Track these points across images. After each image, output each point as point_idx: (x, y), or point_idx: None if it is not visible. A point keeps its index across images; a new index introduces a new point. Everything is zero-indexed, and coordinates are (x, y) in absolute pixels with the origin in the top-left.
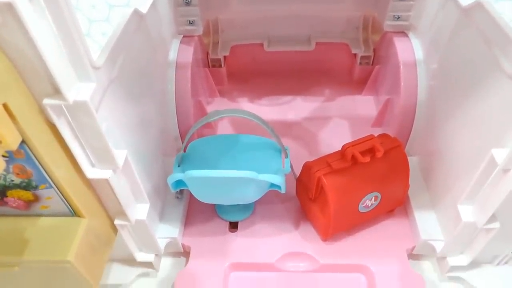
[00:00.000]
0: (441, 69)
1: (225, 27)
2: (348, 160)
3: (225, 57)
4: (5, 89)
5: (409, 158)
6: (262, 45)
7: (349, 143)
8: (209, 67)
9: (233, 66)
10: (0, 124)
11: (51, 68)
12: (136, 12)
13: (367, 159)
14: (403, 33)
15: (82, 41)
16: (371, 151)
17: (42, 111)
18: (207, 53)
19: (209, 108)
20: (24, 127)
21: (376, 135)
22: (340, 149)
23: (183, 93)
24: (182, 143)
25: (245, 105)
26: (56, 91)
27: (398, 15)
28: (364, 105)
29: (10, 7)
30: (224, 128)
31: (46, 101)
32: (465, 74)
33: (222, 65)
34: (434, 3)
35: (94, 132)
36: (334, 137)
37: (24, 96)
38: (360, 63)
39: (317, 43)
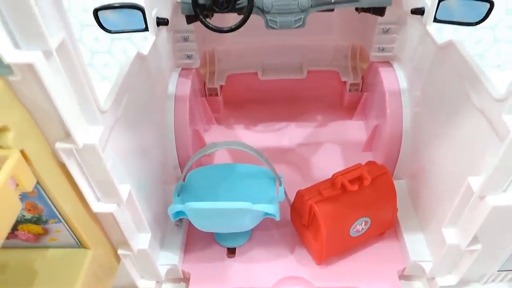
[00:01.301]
0: (423, 96)
1: (221, 58)
2: (338, 188)
3: (221, 86)
4: (23, 137)
5: (397, 181)
6: (256, 74)
7: (338, 172)
8: (206, 96)
9: (229, 94)
10: (18, 170)
11: (63, 116)
12: (138, 55)
13: (355, 187)
14: (388, 63)
15: (91, 89)
16: (359, 179)
17: (53, 153)
18: (204, 83)
19: (207, 136)
20: (38, 170)
21: (365, 160)
22: (331, 176)
23: (182, 124)
24: (181, 171)
25: (241, 132)
26: (67, 135)
27: (382, 47)
28: (355, 130)
29: (31, 67)
30: (221, 155)
31: (58, 145)
32: (443, 104)
33: (219, 94)
34: (414, 38)
35: (100, 170)
36: (327, 162)
37: (38, 142)
38: (350, 90)
39: (308, 71)
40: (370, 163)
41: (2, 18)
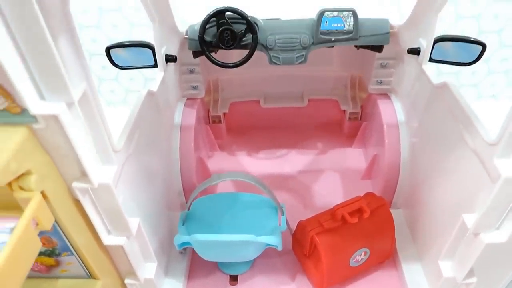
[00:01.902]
0: (421, 129)
1: (224, 86)
2: (338, 220)
3: (224, 113)
4: (44, 179)
5: (396, 210)
6: (258, 102)
7: (339, 204)
8: (209, 123)
9: (232, 121)
10: (38, 210)
11: (81, 158)
12: (149, 93)
13: (355, 219)
14: (386, 95)
15: (107, 132)
16: (358, 211)
17: (70, 191)
18: (208, 110)
19: (210, 162)
20: (56, 208)
21: (365, 188)
22: (330, 204)
23: (187, 152)
24: (185, 198)
25: (243, 158)
26: (83, 175)
27: (381, 80)
28: (354, 157)
29: (55, 117)
30: (225, 183)
31: (75, 185)
32: (439, 139)
33: (222, 121)
34: (411, 74)
35: (112, 206)
36: (327, 190)
37: (57, 182)
38: (349, 118)
39: (309, 100)
40: (369, 195)
41: (29, 72)
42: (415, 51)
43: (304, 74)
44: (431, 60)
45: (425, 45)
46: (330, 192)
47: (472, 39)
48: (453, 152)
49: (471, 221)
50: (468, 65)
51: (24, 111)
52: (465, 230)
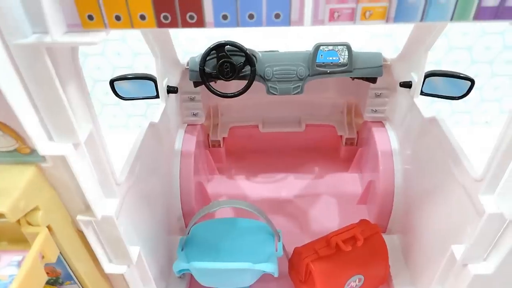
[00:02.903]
0: (414, 156)
1: (224, 112)
2: (333, 247)
3: (223, 138)
4: (50, 214)
5: (390, 236)
6: (257, 126)
7: (333, 232)
8: (209, 147)
9: (231, 145)
10: (45, 244)
11: (85, 192)
12: (150, 125)
13: (348, 247)
14: (380, 122)
15: (110, 168)
16: (352, 239)
17: (73, 223)
18: (208, 135)
19: (209, 186)
20: (61, 240)
21: (360, 213)
22: (328, 230)
23: (187, 177)
24: (185, 222)
25: (242, 182)
26: (87, 208)
27: (375, 109)
28: (350, 182)
29: (62, 157)
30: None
31: (79, 218)
32: (430, 169)
33: (221, 145)
34: (404, 105)
35: (114, 236)
36: (323, 215)
37: (62, 216)
38: (346, 144)
39: (307, 125)
40: (363, 222)
41: (39, 116)
42: (407, 85)
43: (302, 100)
44: (422, 93)
45: (416, 79)
46: (326, 217)
47: (461, 75)
48: (443, 183)
49: (459, 253)
50: (458, 99)
51: (33, 152)
52: (454, 261)
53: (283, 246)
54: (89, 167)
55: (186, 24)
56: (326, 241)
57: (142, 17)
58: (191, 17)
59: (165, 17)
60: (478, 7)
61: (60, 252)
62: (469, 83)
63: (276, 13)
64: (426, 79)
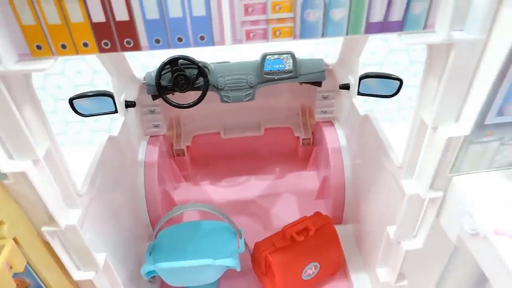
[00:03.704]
0: (358, 151)
1: (186, 121)
2: (288, 239)
3: (187, 146)
4: (15, 227)
5: (345, 226)
6: (219, 133)
7: (288, 225)
8: (174, 156)
9: (195, 153)
10: (12, 255)
11: (48, 205)
12: (110, 138)
13: (301, 238)
14: (330, 122)
15: (70, 180)
16: (305, 230)
17: (39, 234)
18: (172, 145)
19: (176, 193)
20: (27, 251)
21: (318, 208)
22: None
23: (151, 187)
24: (153, 229)
25: (208, 187)
26: (51, 219)
27: (324, 110)
28: (308, 180)
29: (22, 174)
30: (190, 212)
31: (44, 229)
32: (369, 162)
33: (186, 154)
34: (346, 106)
35: (79, 244)
36: (284, 211)
37: (27, 228)
38: (303, 144)
39: (265, 129)
40: (315, 214)
41: None
42: (346, 87)
43: (259, 105)
44: (359, 93)
45: (353, 81)
46: (287, 213)
47: (391, 76)
48: (379, 173)
49: (393, 232)
50: (390, 97)
51: None
52: (390, 240)
53: (246, 243)
54: (49, 181)
55: (124, 49)
56: (282, 234)
57: (85, 45)
58: (128, 42)
59: (106, 44)
60: (367, 23)
61: (28, 263)
62: (398, 82)
63: (201, 35)
64: (361, 81)
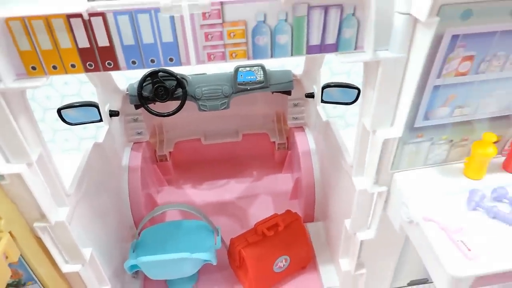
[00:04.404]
0: (324, 153)
1: (168, 128)
2: (259, 234)
3: (170, 152)
4: (11, 222)
5: (316, 223)
6: (200, 139)
7: (259, 221)
8: (157, 161)
9: (177, 158)
10: (8, 247)
11: (40, 203)
12: (95, 145)
13: (271, 233)
14: (301, 127)
15: (60, 181)
16: (275, 226)
17: (31, 230)
18: (155, 151)
19: (160, 196)
20: (21, 244)
21: (292, 207)
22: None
23: (135, 190)
24: (136, 230)
25: (189, 190)
26: (42, 216)
27: (295, 116)
28: (284, 181)
29: (18, 175)
30: (173, 212)
31: (36, 224)
32: (332, 163)
33: (168, 159)
34: (313, 112)
35: (68, 239)
36: (261, 211)
37: (21, 224)
38: (278, 148)
39: (243, 135)
40: (286, 212)
41: None
42: (311, 95)
43: (237, 113)
44: (322, 101)
45: (316, 90)
46: (263, 213)
47: (350, 85)
48: (339, 172)
49: (349, 224)
50: (351, 104)
51: None
52: (347, 232)
53: (223, 240)
54: (41, 182)
55: (106, 69)
56: (254, 230)
57: (73, 66)
58: (109, 64)
59: (90, 65)
60: (307, 45)
61: (22, 256)
62: (356, 91)
63: (170, 57)
64: (324, 90)
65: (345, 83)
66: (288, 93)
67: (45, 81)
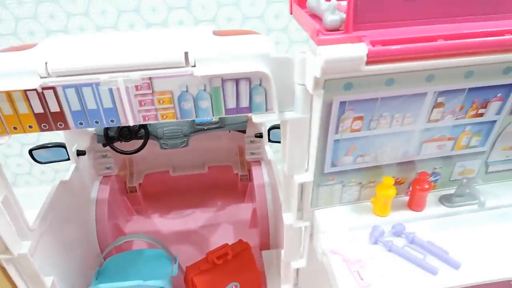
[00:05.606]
0: (275, 187)
1: (138, 162)
2: (210, 262)
3: (140, 183)
4: None
5: (270, 251)
6: (168, 171)
7: (211, 251)
8: (127, 193)
9: (147, 189)
10: None
11: (4, 238)
12: (61, 182)
13: (220, 261)
14: (258, 162)
15: (23, 218)
16: (224, 255)
17: None
18: (125, 183)
19: (129, 225)
20: None
21: (251, 235)
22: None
23: (101, 221)
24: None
25: (157, 220)
26: (6, 249)
27: (252, 152)
28: (245, 211)
29: None
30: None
31: (1, 256)
32: (277, 198)
33: (138, 190)
34: (269, 153)
35: (30, 269)
36: (222, 239)
37: None
38: (241, 180)
39: (209, 167)
40: (238, 242)
41: None
42: (260, 135)
43: (203, 147)
44: (270, 141)
45: (263, 130)
46: (224, 241)
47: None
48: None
49: (283, 254)
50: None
51: None
52: (283, 260)
53: (181, 267)
54: (6, 219)
55: (58, 129)
56: (206, 258)
57: (30, 127)
58: (60, 125)
59: (44, 126)
60: (225, 108)
61: None
62: None
63: (111, 119)
64: (270, 131)
65: None
66: (244, 131)
67: (7, 139)
